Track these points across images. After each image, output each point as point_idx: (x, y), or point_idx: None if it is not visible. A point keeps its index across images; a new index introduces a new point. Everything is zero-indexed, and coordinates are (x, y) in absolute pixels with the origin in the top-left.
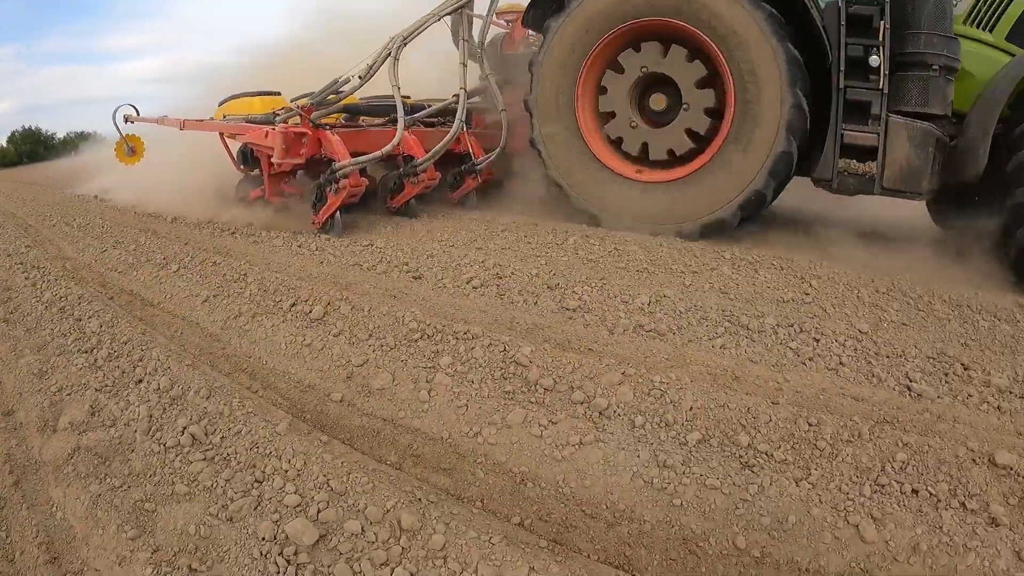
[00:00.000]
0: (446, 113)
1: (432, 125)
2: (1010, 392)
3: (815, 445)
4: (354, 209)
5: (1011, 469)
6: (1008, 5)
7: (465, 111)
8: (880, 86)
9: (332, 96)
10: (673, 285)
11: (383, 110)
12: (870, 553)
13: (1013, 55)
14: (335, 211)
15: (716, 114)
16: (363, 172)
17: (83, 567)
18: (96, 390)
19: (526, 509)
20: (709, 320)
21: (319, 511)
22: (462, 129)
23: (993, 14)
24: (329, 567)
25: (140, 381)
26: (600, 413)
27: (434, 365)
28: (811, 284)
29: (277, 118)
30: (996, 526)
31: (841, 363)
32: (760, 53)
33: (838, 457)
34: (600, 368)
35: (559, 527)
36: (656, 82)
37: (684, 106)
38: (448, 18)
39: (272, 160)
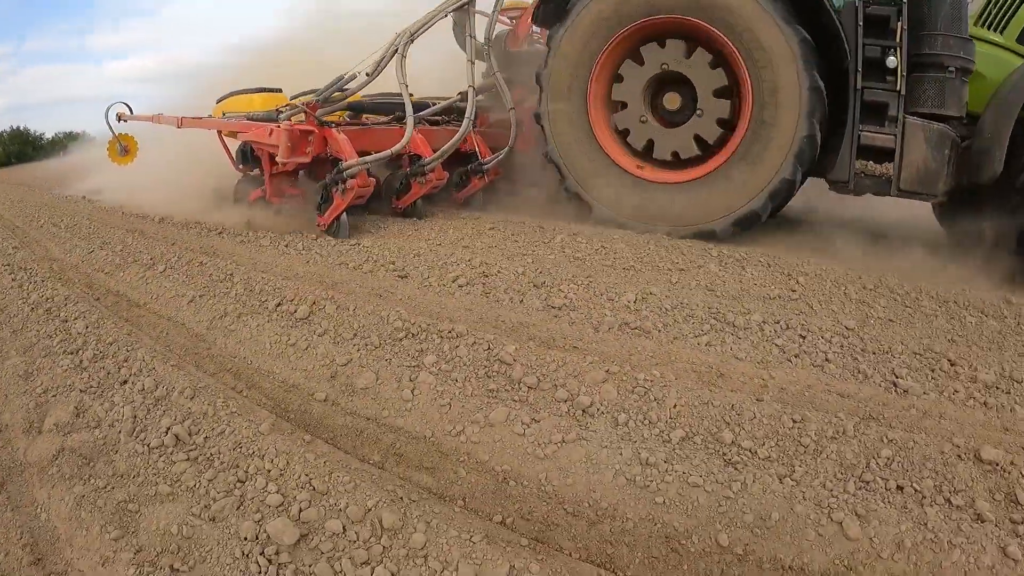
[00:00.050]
0: (450, 111)
1: (436, 124)
2: (997, 388)
3: (799, 442)
4: (357, 210)
5: (997, 465)
6: (1019, 7)
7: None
8: (897, 87)
9: (337, 93)
10: (659, 282)
11: (388, 108)
12: (854, 550)
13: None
14: (342, 212)
15: (728, 125)
16: (368, 172)
17: (67, 568)
18: (81, 391)
19: (508, 508)
20: (695, 317)
21: (301, 510)
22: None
23: (1004, 16)
24: (310, 566)
25: (125, 382)
26: (583, 411)
27: (418, 364)
28: (798, 281)
29: (281, 115)
30: (982, 522)
31: (827, 360)
32: (786, 77)
33: (822, 454)
34: (584, 366)
35: (541, 525)
36: (673, 81)
37: (698, 112)
38: (451, 16)
39: (277, 159)
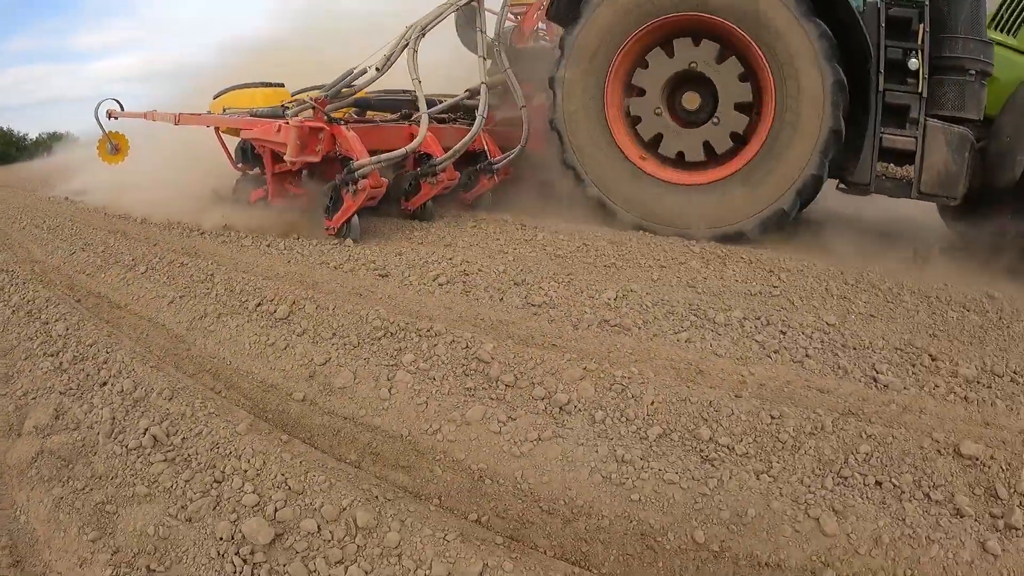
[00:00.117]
0: (456, 109)
1: (443, 121)
2: (978, 382)
3: (777, 438)
4: (366, 212)
5: (976, 459)
6: None
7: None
8: (919, 90)
9: (346, 89)
10: (640, 280)
11: (394, 104)
12: (831, 546)
13: None
14: (352, 215)
15: (740, 140)
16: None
17: (45, 570)
18: (61, 393)
19: (483, 506)
20: (675, 314)
21: (276, 510)
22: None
23: (1017, 18)
24: (285, 566)
25: (104, 383)
26: (560, 409)
27: (396, 363)
28: (780, 277)
29: (288, 111)
30: (961, 517)
31: (807, 355)
32: (808, 73)
33: (800, 450)
34: (562, 363)
35: (516, 523)
36: (695, 80)
37: (715, 120)
38: (454, 13)
39: (285, 158)
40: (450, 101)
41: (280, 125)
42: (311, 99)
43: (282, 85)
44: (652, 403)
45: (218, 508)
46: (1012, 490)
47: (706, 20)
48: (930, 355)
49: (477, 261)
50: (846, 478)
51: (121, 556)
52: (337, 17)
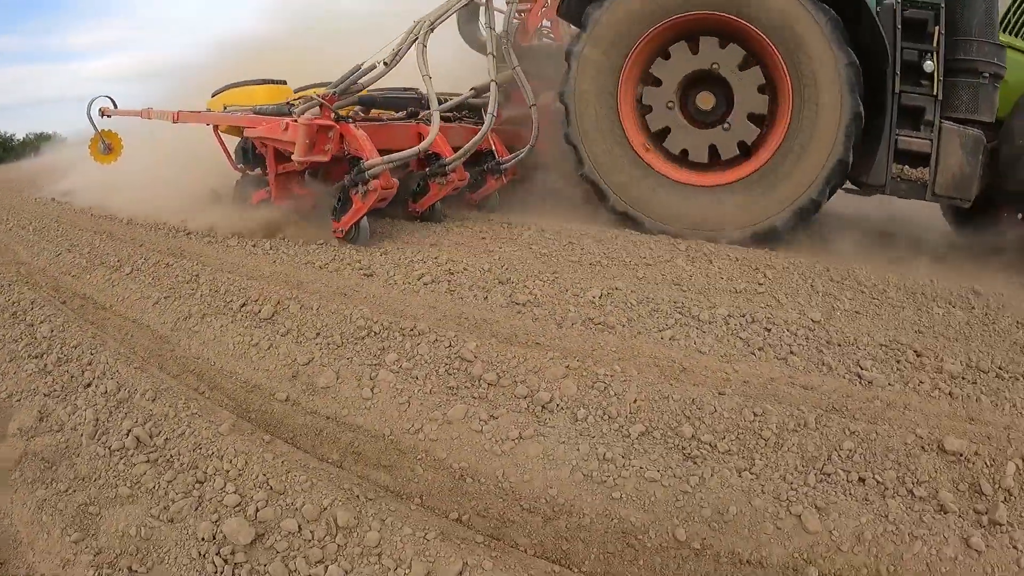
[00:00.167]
0: (461, 108)
1: (449, 120)
2: (962, 378)
3: (760, 435)
4: (374, 215)
5: (960, 455)
6: None
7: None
8: (934, 92)
9: (354, 87)
10: (626, 278)
11: (399, 102)
12: (813, 543)
13: None
14: (362, 217)
15: (746, 150)
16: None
17: (29, 572)
18: (45, 395)
19: (464, 505)
20: (660, 312)
21: (258, 510)
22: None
23: None
24: (265, 566)
25: (88, 385)
26: (543, 407)
27: (379, 362)
28: (765, 274)
29: (294, 109)
30: (944, 513)
31: (791, 352)
32: (824, 65)
33: (783, 447)
34: (545, 362)
35: (497, 522)
36: (713, 80)
37: (726, 125)
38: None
39: (292, 157)
40: (458, 99)
41: (288, 123)
42: (319, 96)
43: (284, 82)
44: (635, 401)
45: (200, 508)
46: (996, 486)
47: (736, 24)
48: (915, 351)
49: (462, 260)
50: (829, 475)
51: (103, 557)
52: (337, 17)
